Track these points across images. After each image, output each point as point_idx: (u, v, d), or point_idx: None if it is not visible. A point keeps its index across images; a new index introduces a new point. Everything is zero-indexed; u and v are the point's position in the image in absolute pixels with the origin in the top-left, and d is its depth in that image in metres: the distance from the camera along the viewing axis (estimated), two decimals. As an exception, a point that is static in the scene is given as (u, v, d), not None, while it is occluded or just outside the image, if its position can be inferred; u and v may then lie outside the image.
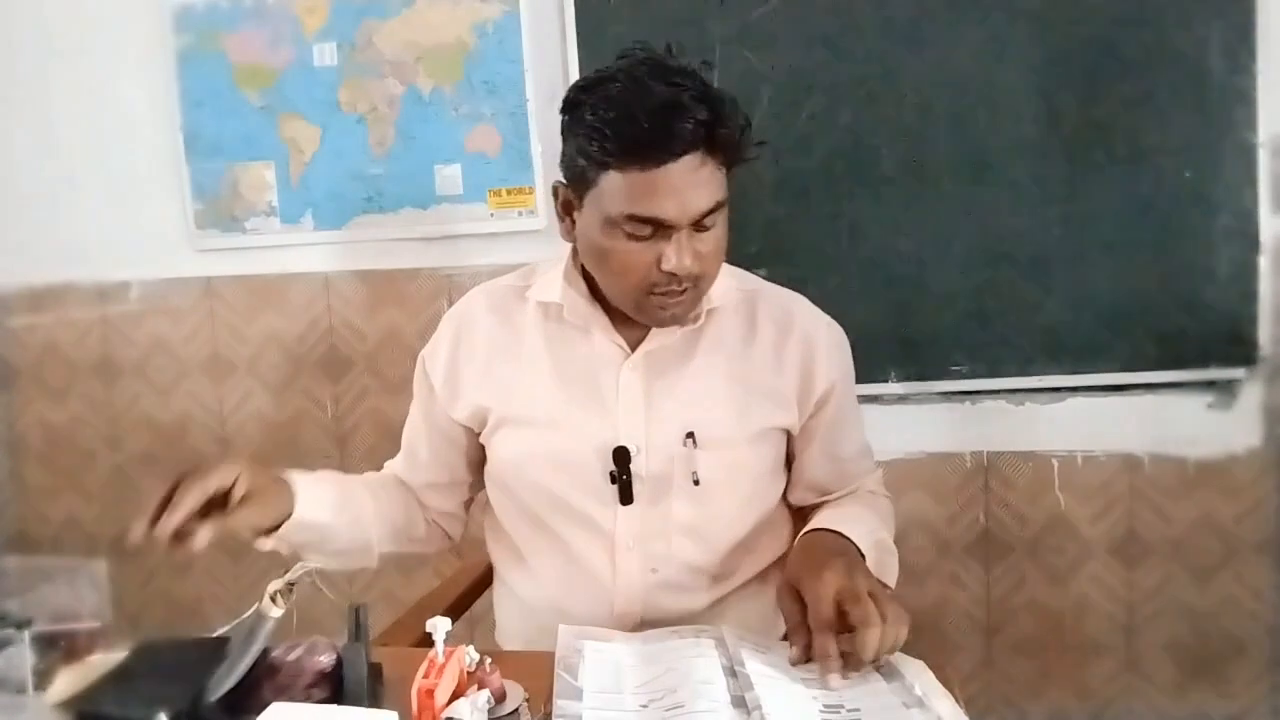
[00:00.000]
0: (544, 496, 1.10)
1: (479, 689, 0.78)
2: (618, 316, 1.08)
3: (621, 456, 1.06)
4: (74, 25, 1.96)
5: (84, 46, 1.97)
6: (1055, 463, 1.77)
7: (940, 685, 0.84)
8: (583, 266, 1.08)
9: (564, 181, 1.03)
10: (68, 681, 0.83)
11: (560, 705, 0.81)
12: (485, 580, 1.31)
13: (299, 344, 1.97)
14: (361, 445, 1.94)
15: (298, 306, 1.96)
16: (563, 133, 1.02)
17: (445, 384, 1.14)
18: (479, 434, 1.15)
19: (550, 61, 1.81)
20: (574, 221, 1.04)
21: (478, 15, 1.82)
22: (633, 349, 1.09)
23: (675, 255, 0.97)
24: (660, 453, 1.07)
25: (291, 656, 0.84)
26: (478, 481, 1.21)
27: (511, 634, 1.20)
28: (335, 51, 1.87)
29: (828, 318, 1.18)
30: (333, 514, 1.05)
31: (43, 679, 0.84)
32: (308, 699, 0.82)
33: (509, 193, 1.85)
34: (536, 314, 1.13)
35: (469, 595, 1.31)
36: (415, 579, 1.92)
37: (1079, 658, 1.80)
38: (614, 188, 0.96)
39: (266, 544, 1.01)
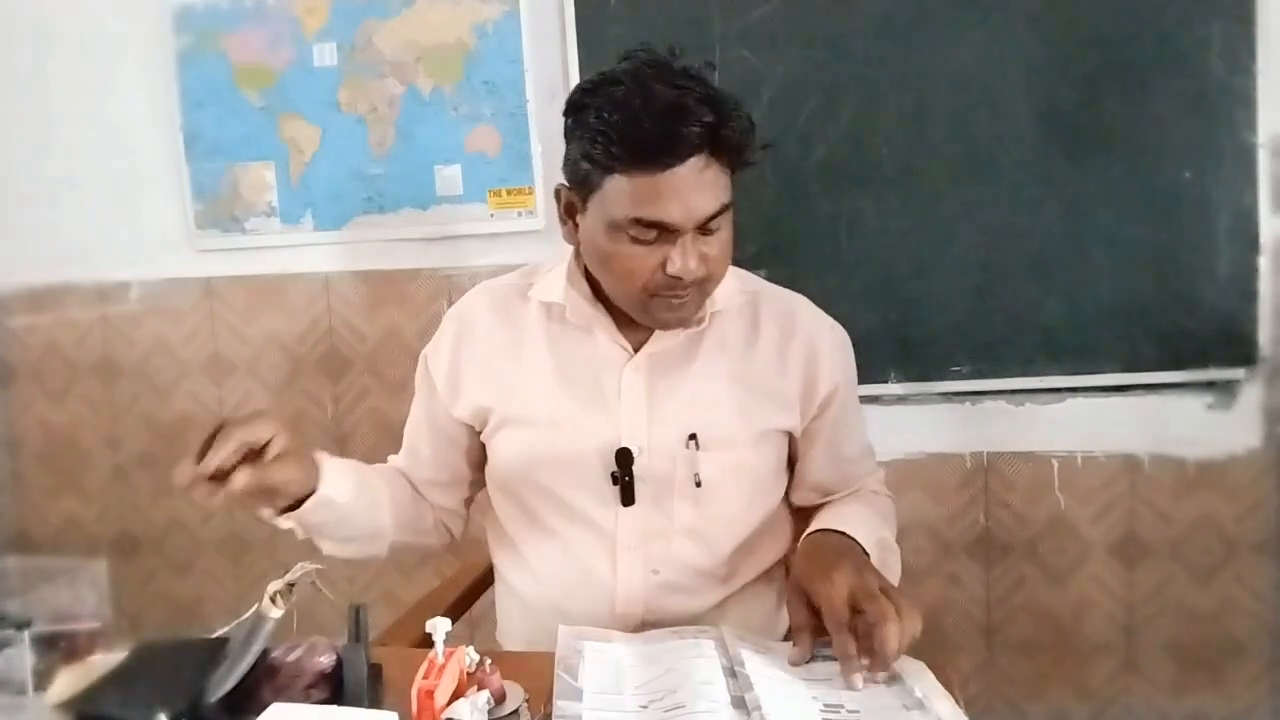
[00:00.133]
0: (545, 497, 1.11)
1: (479, 689, 0.78)
2: (620, 317, 1.08)
3: (624, 458, 1.06)
4: (74, 25, 1.97)
5: (84, 46, 1.97)
6: (1055, 463, 1.77)
7: (940, 686, 0.84)
8: (585, 267, 1.08)
9: (567, 184, 1.03)
10: (68, 681, 0.83)
11: (560, 706, 0.81)
12: (485, 580, 1.31)
13: (299, 344, 1.97)
14: (361, 445, 1.94)
15: (298, 307, 1.96)
16: (566, 135, 1.02)
17: (447, 382, 1.14)
18: (480, 433, 1.15)
19: (550, 61, 1.81)
20: (577, 224, 1.04)
21: (478, 15, 1.82)
22: (635, 350, 1.09)
23: (680, 259, 0.97)
24: (662, 454, 1.07)
25: (291, 657, 0.84)
26: (479, 480, 1.21)
27: (512, 634, 1.20)
28: (335, 51, 1.87)
29: (830, 319, 1.17)
30: (352, 496, 1.04)
31: (43, 679, 0.84)
32: (308, 699, 0.81)
33: (509, 193, 1.85)
34: (538, 314, 1.12)
35: (469, 595, 1.31)
36: (415, 579, 1.92)
37: (1079, 658, 1.80)
38: (618, 191, 0.96)
39: (284, 522, 1.00)
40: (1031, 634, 1.81)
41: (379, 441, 1.92)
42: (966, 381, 1.74)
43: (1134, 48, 1.64)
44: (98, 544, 2.07)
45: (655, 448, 1.07)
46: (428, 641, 0.79)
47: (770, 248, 1.71)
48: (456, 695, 0.77)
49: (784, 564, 1.19)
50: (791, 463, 1.18)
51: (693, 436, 1.07)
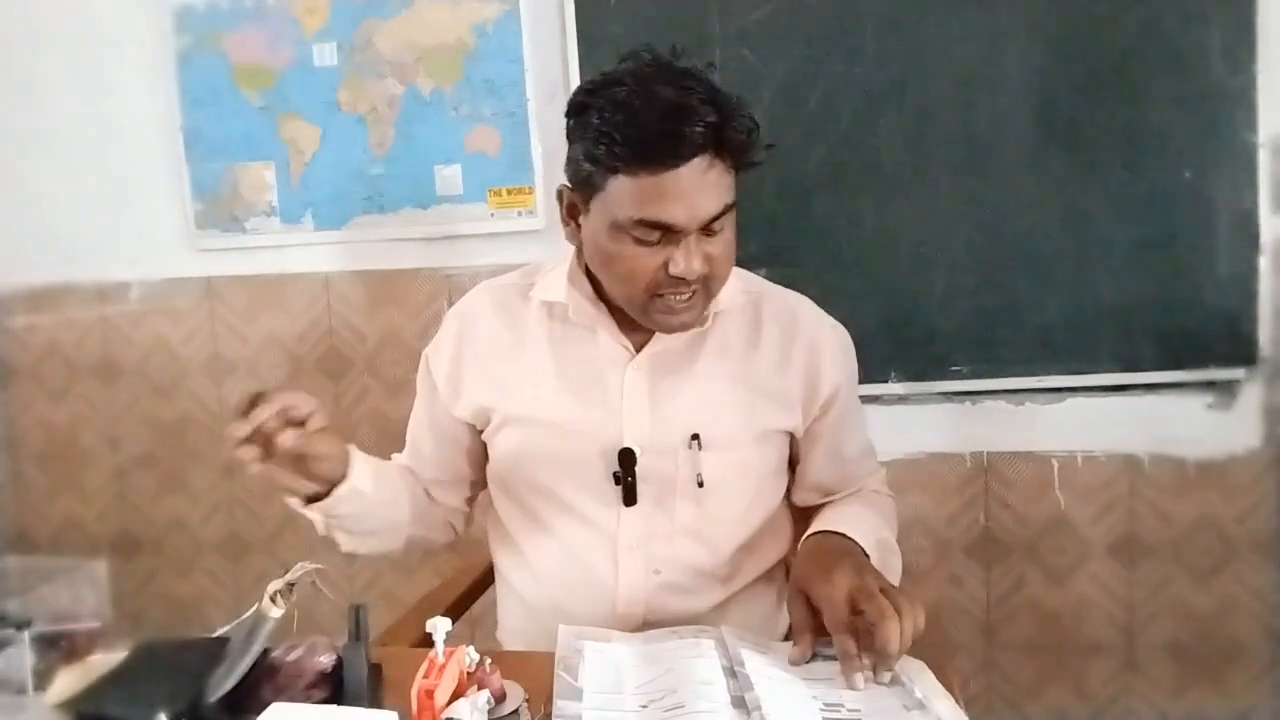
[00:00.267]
0: (546, 497, 1.11)
1: (479, 689, 0.78)
2: (622, 317, 1.08)
3: (627, 458, 1.06)
4: (74, 25, 1.96)
5: (84, 46, 1.97)
6: (1055, 463, 1.77)
7: (940, 686, 0.84)
8: (586, 267, 1.08)
9: (569, 185, 1.03)
10: (68, 681, 0.83)
11: (560, 705, 0.81)
12: (485, 580, 1.31)
13: (299, 344, 1.97)
14: (361, 445, 1.90)
15: (298, 306, 1.96)
16: (568, 136, 1.01)
17: (448, 382, 1.14)
18: (482, 432, 1.15)
19: (550, 61, 1.81)
20: (579, 226, 1.04)
21: (478, 15, 1.82)
22: (637, 350, 1.09)
23: (684, 259, 0.96)
24: (664, 454, 1.07)
25: (291, 656, 0.84)
26: (481, 479, 1.21)
27: (513, 633, 1.20)
28: (335, 52, 1.87)
29: (832, 320, 1.17)
30: (375, 488, 1.05)
31: (43, 679, 0.84)
32: (308, 699, 0.81)
33: (509, 193, 1.85)
34: (540, 313, 1.12)
35: (469, 595, 1.31)
36: (415, 579, 1.92)
37: (1079, 658, 1.80)
38: (622, 192, 0.95)
39: (310, 513, 1.00)
40: (1031, 634, 1.81)
41: (379, 441, 1.89)
42: (966, 381, 1.74)
43: (1134, 48, 1.64)
44: (98, 544, 2.07)
45: (657, 448, 1.07)
46: (428, 641, 0.79)
47: (770, 248, 1.71)
48: (457, 695, 0.77)
49: (785, 564, 1.19)
50: (792, 463, 1.18)
51: (695, 437, 1.07)
